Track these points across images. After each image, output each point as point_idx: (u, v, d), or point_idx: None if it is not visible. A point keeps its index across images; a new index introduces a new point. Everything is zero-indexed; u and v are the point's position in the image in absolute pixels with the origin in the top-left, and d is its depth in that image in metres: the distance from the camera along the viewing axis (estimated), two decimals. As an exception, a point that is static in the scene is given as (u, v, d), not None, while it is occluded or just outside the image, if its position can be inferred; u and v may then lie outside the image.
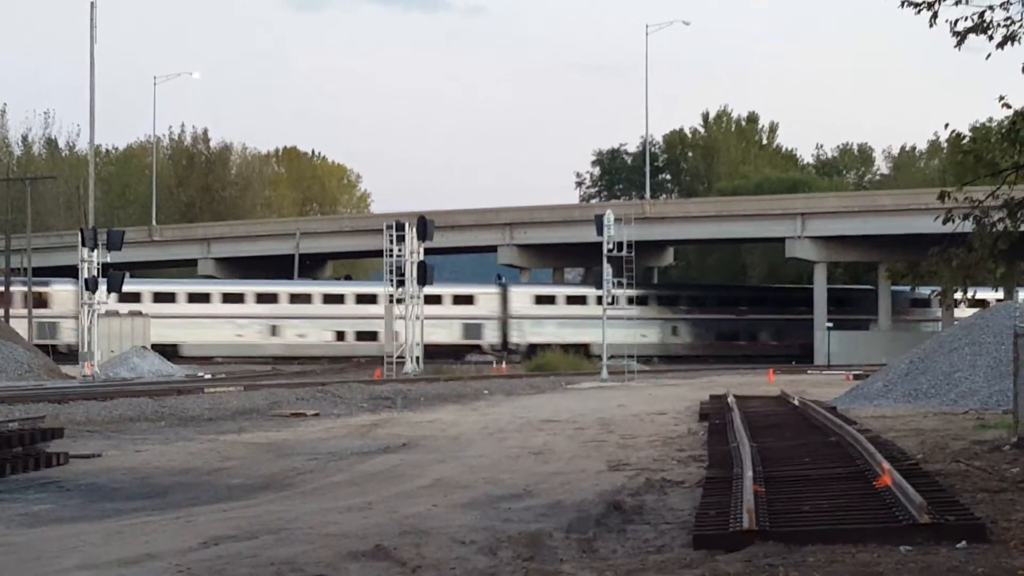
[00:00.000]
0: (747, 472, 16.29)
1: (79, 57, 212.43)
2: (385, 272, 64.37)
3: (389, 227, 63.93)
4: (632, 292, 62.50)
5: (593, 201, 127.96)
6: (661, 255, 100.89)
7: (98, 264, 58.70)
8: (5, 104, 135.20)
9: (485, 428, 29.87)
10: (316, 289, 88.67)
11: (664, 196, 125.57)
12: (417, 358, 63.35)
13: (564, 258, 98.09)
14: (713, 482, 17.08)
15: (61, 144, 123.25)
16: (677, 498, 16.81)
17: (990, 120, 19.01)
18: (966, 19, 16.22)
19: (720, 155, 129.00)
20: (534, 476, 19.78)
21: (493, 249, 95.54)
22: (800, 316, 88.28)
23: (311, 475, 20.77)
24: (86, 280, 58.71)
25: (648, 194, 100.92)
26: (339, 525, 14.82)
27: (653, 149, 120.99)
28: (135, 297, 79.75)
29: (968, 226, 17.18)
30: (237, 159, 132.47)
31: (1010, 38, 16.16)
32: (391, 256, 63.24)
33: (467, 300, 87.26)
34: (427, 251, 65.10)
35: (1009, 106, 16.57)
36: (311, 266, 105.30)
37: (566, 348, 78.70)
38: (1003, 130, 16.91)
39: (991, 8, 16.15)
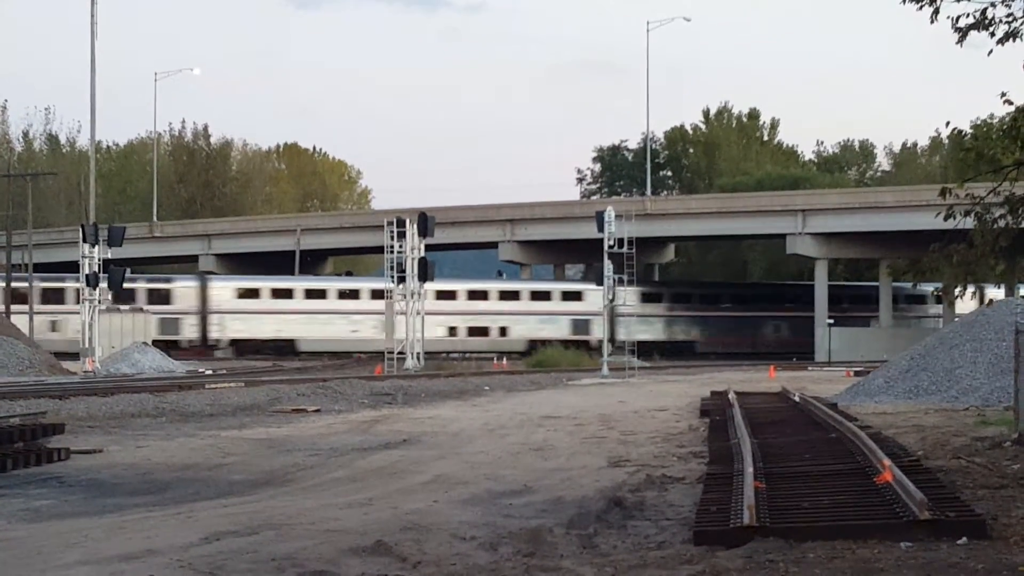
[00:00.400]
0: (748, 468, 16.30)
1: (80, 53, 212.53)
2: (386, 268, 64.39)
3: (390, 223, 63.96)
4: (643, 289, 63.01)
5: (594, 197, 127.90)
6: (662, 251, 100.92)
7: (99, 260, 58.65)
8: (6, 100, 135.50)
9: (486, 424, 29.88)
10: (428, 285, 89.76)
11: (665, 193, 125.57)
12: (418, 354, 63.36)
13: (565, 255, 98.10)
14: (714, 478, 17.09)
15: (62, 140, 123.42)
16: (678, 494, 16.82)
17: (991, 116, 19.04)
18: (968, 15, 16.25)
19: (721, 151, 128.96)
20: (535, 472, 19.79)
21: (494, 245, 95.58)
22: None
23: (312, 471, 20.78)
24: (87, 276, 58.66)
25: (649, 190, 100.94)
26: (340, 521, 14.83)
27: (654, 145, 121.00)
28: (254, 293, 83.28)
29: (969, 223, 17.20)
30: (238, 155, 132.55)
31: (1012, 34, 16.18)
32: (392, 252, 63.29)
33: (576, 296, 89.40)
34: (428, 247, 65.13)
35: (1011, 102, 16.59)
36: (312, 262, 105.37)
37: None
38: (1004, 126, 16.93)
39: (993, 4, 16.18)
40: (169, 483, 19.39)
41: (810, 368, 66.87)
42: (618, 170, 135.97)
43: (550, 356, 71.70)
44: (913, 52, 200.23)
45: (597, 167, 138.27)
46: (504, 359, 74.04)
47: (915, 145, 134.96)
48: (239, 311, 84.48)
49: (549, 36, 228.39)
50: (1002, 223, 17.09)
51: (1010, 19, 16.14)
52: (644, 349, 70.05)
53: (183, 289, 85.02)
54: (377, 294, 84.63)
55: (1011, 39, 16.11)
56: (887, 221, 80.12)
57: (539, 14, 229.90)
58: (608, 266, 58.30)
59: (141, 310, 74.05)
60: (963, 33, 16.37)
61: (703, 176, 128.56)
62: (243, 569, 12.01)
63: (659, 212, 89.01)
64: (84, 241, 59.08)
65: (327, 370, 63.15)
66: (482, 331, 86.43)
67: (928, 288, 79.67)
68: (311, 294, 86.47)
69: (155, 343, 66.11)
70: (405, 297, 63.15)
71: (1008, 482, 16.51)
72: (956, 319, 51.47)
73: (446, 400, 40.18)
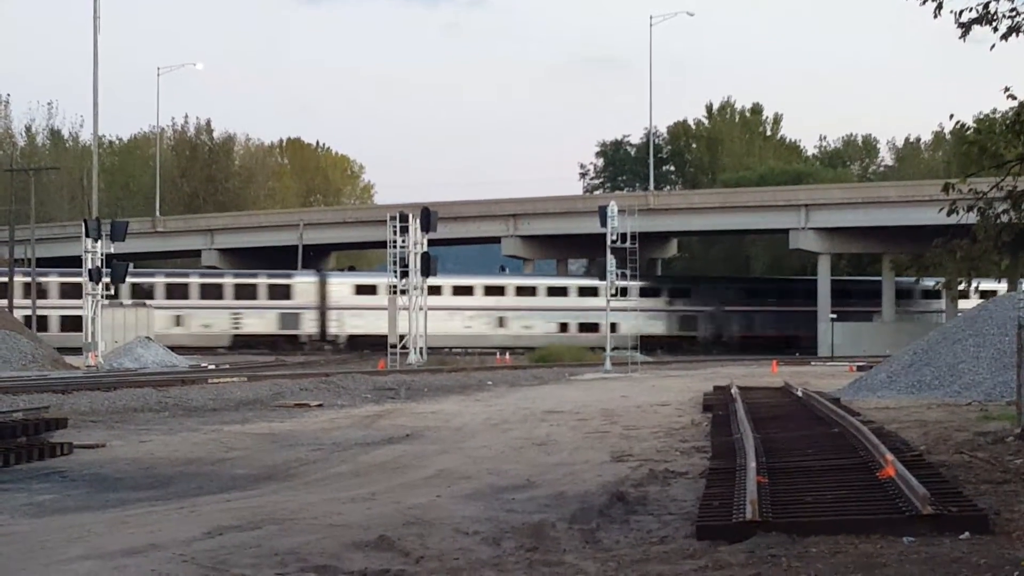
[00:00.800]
0: (750, 463, 16.28)
1: (83, 48, 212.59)
2: (389, 263, 64.45)
3: (393, 218, 64.02)
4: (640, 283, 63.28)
5: (597, 192, 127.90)
6: (665, 246, 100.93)
7: (102, 255, 58.69)
8: (9, 95, 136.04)
9: (488, 419, 29.88)
10: (541, 282, 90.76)
11: (668, 187, 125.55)
12: (421, 349, 63.40)
13: (568, 249, 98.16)
14: (716, 473, 17.08)
15: (65, 135, 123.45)
16: (680, 489, 16.81)
17: (994, 111, 19.01)
18: (971, 10, 16.22)
19: (724, 146, 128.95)
20: (537, 467, 19.79)
21: (497, 240, 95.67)
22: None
23: (315, 466, 20.79)
24: (89, 271, 58.66)
25: (652, 185, 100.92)
26: (343, 516, 14.83)
27: (657, 140, 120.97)
28: (371, 289, 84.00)
29: (972, 218, 17.18)
30: (240, 150, 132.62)
31: (1015, 29, 16.15)
32: (395, 247, 63.33)
33: (684, 294, 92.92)
34: (431, 242, 65.16)
35: (1014, 97, 16.57)
36: (315, 257, 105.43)
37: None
38: (1008, 121, 16.91)
39: (996, -1, 16.14)
40: (172, 478, 19.40)
41: (813, 363, 66.87)
42: (621, 165, 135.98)
43: (553, 351, 71.74)
44: (916, 47, 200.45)
45: (600, 162, 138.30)
46: (507, 354, 74.09)
47: (918, 140, 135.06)
48: (356, 307, 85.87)
49: (551, 31, 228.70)
50: (1005, 218, 17.08)
51: (1013, 14, 16.11)
52: (647, 344, 70.17)
53: (303, 285, 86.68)
54: (491, 290, 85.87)
55: (1014, 34, 16.09)
56: (890, 216, 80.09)
57: (541, 9, 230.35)
58: (611, 261, 58.30)
59: (144, 305, 74.06)
60: (966, 28, 16.35)
61: (706, 171, 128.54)
62: (246, 564, 12.01)
63: (662, 207, 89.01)
64: (87, 236, 59.10)
65: (329, 365, 63.18)
66: (592, 327, 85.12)
67: (929, 283, 79.71)
68: (428, 290, 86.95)
69: (276, 338, 67.71)
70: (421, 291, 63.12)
71: (1011, 477, 16.50)
72: (959, 314, 51.46)
73: (449, 395, 40.19)
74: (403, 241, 63.26)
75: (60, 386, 38.30)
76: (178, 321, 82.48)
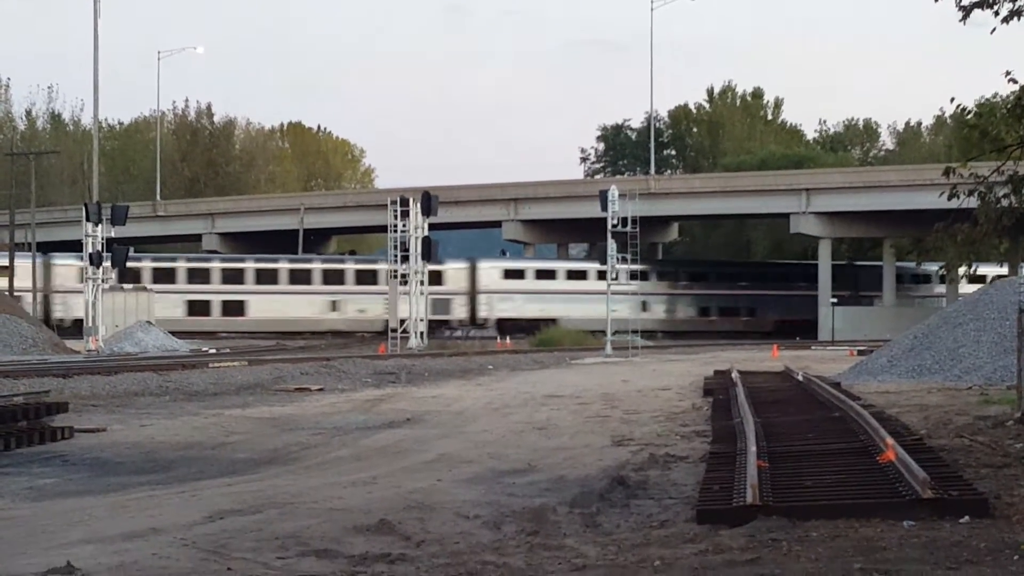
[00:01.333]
0: (751, 447, 16.30)
1: (83, 32, 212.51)
2: (389, 248, 64.41)
3: (393, 202, 63.95)
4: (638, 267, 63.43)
5: (598, 176, 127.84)
6: (666, 230, 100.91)
7: (102, 239, 58.65)
8: (9, 79, 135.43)
9: (489, 403, 29.90)
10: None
11: (669, 172, 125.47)
12: (421, 333, 63.42)
13: (569, 233, 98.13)
14: (717, 457, 17.09)
15: (65, 119, 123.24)
16: (681, 473, 16.83)
17: (995, 95, 18.98)
18: (971, -7, 16.18)
19: (725, 130, 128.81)
20: (538, 451, 19.81)
21: (498, 224, 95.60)
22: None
23: (315, 450, 20.80)
24: (90, 255, 58.63)
25: (653, 170, 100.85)
26: (343, 500, 14.85)
27: (658, 125, 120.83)
28: (519, 274, 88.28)
29: (973, 202, 17.17)
30: (241, 134, 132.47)
31: (1016, 13, 16.11)
32: (395, 231, 63.30)
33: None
34: (431, 226, 65.12)
35: (1015, 81, 16.54)
36: (315, 241, 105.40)
37: None
38: (1009, 105, 16.89)
39: (997, -17, 16.10)
40: (173, 462, 19.42)
41: (813, 347, 66.88)
42: (622, 149, 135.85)
43: (553, 335, 71.70)
44: (917, 31, 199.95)
45: (601, 146, 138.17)
46: (507, 338, 74.08)
47: (919, 124, 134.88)
48: (505, 291, 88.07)
49: (552, 15, 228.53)
50: (1006, 202, 17.07)
51: (1014, -3, 16.08)
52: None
53: (454, 271, 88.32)
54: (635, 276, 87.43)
55: (1015, 18, 16.05)
56: (891, 200, 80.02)
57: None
58: (611, 245, 58.26)
59: (145, 289, 74.10)
60: (967, 11, 16.32)
61: (707, 155, 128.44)
62: (247, 548, 12.02)
63: (663, 191, 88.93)
64: (87, 220, 59.05)
65: (330, 349, 63.21)
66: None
67: (932, 267, 79.65)
68: (572, 275, 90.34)
69: (430, 323, 69.40)
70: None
71: (1011, 461, 16.51)
72: (959, 298, 51.45)
73: (449, 379, 40.19)
74: (404, 225, 63.21)
75: (61, 370, 38.30)
76: (334, 307, 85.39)
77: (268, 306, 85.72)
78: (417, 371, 42.93)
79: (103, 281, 59.67)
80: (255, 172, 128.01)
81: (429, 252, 63.77)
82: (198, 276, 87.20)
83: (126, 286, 70.29)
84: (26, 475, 18.03)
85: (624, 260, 58.46)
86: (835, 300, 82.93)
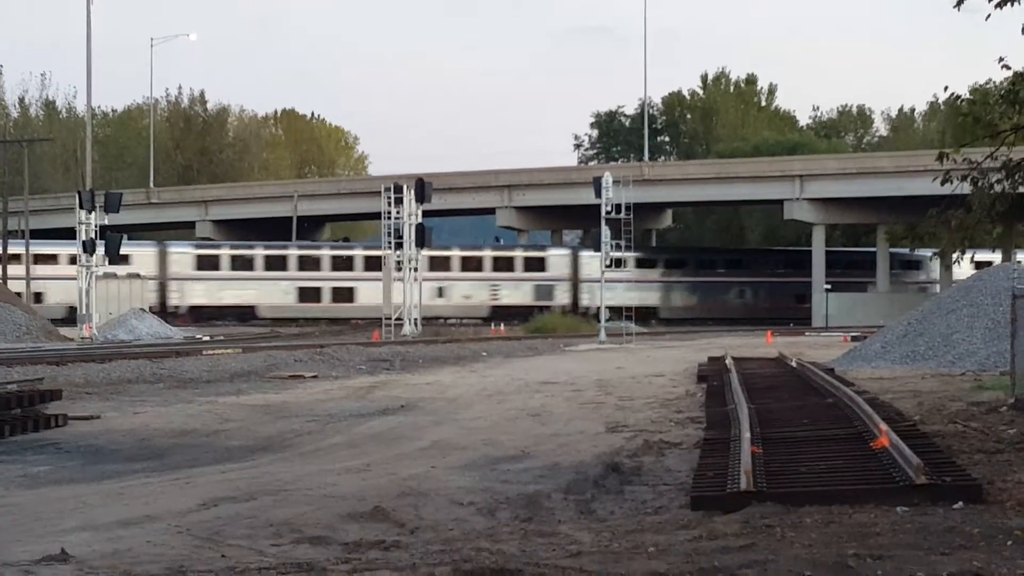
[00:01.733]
0: (745, 433, 16.31)
1: (76, 18, 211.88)
2: (384, 234, 64.35)
3: (387, 189, 63.86)
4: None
5: (592, 163, 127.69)
6: (659, 217, 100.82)
7: (95, 227, 58.51)
8: (2, 66, 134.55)
9: (483, 390, 29.91)
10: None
11: (663, 158, 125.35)
12: (415, 320, 63.41)
13: (563, 220, 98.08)
14: (711, 443, 17.11)
15: (58, 106, 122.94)
16: (675, 460, 16.85)
17: (989, 81, 18.98)
18: (965, -21, 16.14)
19: (719, 117, 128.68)
20: (532, 438, 19.82)
21: (491, 211, 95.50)
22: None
23: (309, 437, 20.81)
24: (83, 243, 58.51)
25: (646, 156, 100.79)
26: (337, 487, 14.85)
27: (652, 111, 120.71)
28: (618, 263, 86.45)
29: (967, 188, 17.16)
30: (235, 121, 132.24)
31: (1009, -1, 16.07)
32: (389, 218, 63.25)
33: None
34: (425, 213, 65.07)
35: (1009, 67, 16.51)
36: (309, 228, 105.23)
37: None
38: (1002, 91, 16.87)
39: (990, -32, 16.06)
40: (167, 449, 19.42)
41: (807, 333, 66.95)
42: (615, 136, 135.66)
43: (548, 322, 71.68)
44: (911, 17, 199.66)
45: (595, 133, 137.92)
46: (502, 324, 74.07)
47: (912, 110, 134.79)
48: (606, 280, 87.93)
49: (546, 1, 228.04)
50: (999, 188, 17.06)
51: (1008, -17, 16.03)
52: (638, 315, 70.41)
53: (556, 259, 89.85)
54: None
55: (1009, 3, 16.02)
56: (885, 186, 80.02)
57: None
58: (605, 232, 58.25)
59: (138, 276, 74.04)
60: (961, -3, 16.28)
61: (700, 141, 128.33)
62: (241, 535, 12.03)
63: (656, 178, 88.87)
64: (81, 207, 58.88)
65: (324, 336, 63.21)
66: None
67: (927, 253, 79.62)
68: (670, 264, 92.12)
69: (531, 309, 69.89)
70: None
71: (1004, 447, 16.54)
72: (953, 284, 51.50)
73: (443, 366, 40.20)
74: (397, 212, 63.13)
75: (55, 358, 38.28)
76: (440, 292, 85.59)
77: (377, 293, 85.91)
78: (411, 358, 42.93)
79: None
80: (248, 159, 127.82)
81: (423, 239, 63.74)
82: (309, 264, 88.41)
83: (119, 273, 70.17)
84: (20, 463, 18.02)
85: (618, 247, 58.51)
86: (828, 286, 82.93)
